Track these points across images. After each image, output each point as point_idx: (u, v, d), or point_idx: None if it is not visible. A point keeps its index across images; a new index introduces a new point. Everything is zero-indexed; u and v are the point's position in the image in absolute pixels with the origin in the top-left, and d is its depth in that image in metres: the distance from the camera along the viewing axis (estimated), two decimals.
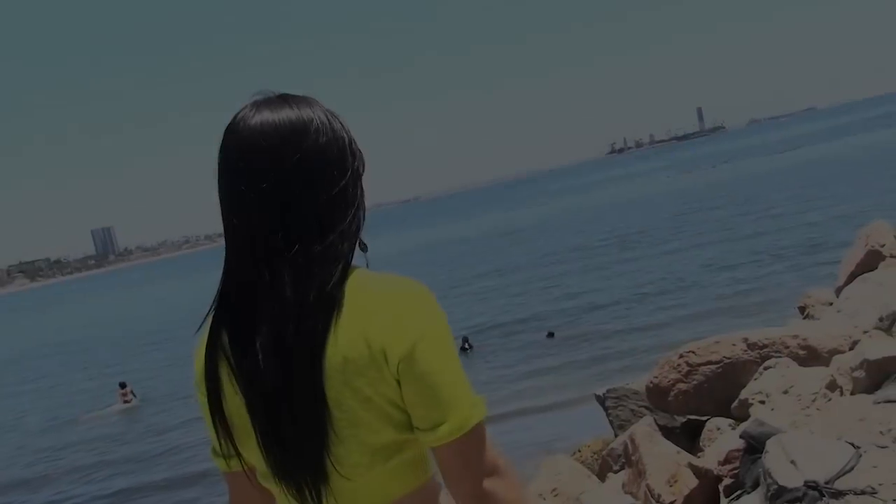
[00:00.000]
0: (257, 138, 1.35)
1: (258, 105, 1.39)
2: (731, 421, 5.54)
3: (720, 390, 5.87)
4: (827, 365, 5.57)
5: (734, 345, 5.90)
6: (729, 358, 5.85)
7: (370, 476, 1.37)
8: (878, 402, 4.75)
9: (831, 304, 9.21)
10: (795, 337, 5.80)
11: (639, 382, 6.77)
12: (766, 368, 5.62)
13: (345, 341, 1.32)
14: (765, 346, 5.83)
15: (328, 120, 1.40)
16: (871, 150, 45.98)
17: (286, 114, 1.37)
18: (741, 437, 4.63)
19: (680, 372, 5.94)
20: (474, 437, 1.35)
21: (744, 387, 5.73)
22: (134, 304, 62.23)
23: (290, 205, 1.34)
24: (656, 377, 6.01)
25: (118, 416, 18.89)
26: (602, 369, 12.61)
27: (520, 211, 73.02)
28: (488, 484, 1.35)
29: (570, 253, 29.29)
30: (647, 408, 6.46)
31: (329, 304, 1.32)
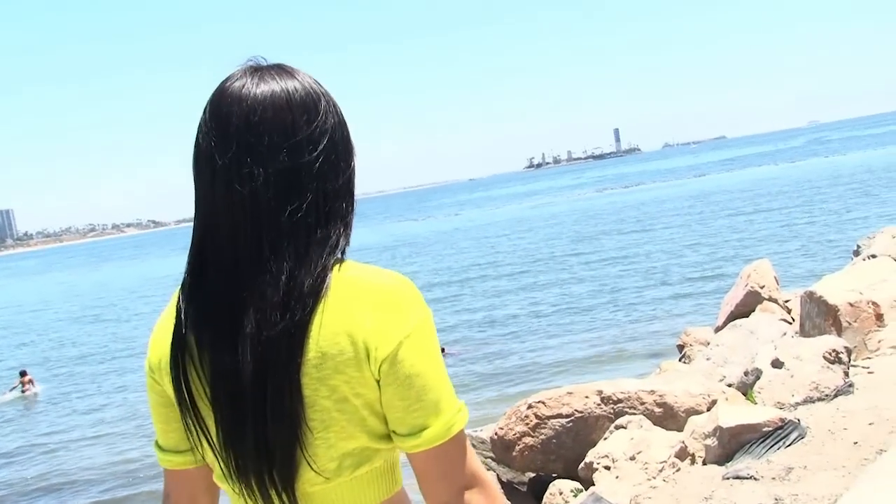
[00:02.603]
0: (267, 111, 1.22)
1: (259, 73, 1.26)
2: (575, 485, 5.04)
3: (569, 447, 5.37)
4: (682, 427, 5.13)
5: (587, 397, 5.41)
6: (581, 412, 5.36)
7: (337, 484, 1.26)
8: (727, 478, 4.29)
9: (709, 343, 8.96)
10: (652, 393, 5.35)
11: (489, 429, 6.20)
12: (617, 427, 5.15)
13: (324, 336, 1.20)
14: (619, 400, 5.36)
15: (333, 101, 1.31)
16: (774, 182, 47.27)
17: (293, 85, 1.26)
18: None
19: (527, 424, 5.42)
20: (456, 444, 1.24)
21: (594, 444, 5.24)
22: (24, 292, 59.29)
23: (301, 185, 1.23)
24: (501, 428, 5.48)
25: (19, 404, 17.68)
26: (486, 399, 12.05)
27: (426, 222, 72.60)
28: (468, 495, 1.25)
29: (470, 270, 28.88)
30: (495, 459, 5.90)
31: (316, 295, 1.21)
